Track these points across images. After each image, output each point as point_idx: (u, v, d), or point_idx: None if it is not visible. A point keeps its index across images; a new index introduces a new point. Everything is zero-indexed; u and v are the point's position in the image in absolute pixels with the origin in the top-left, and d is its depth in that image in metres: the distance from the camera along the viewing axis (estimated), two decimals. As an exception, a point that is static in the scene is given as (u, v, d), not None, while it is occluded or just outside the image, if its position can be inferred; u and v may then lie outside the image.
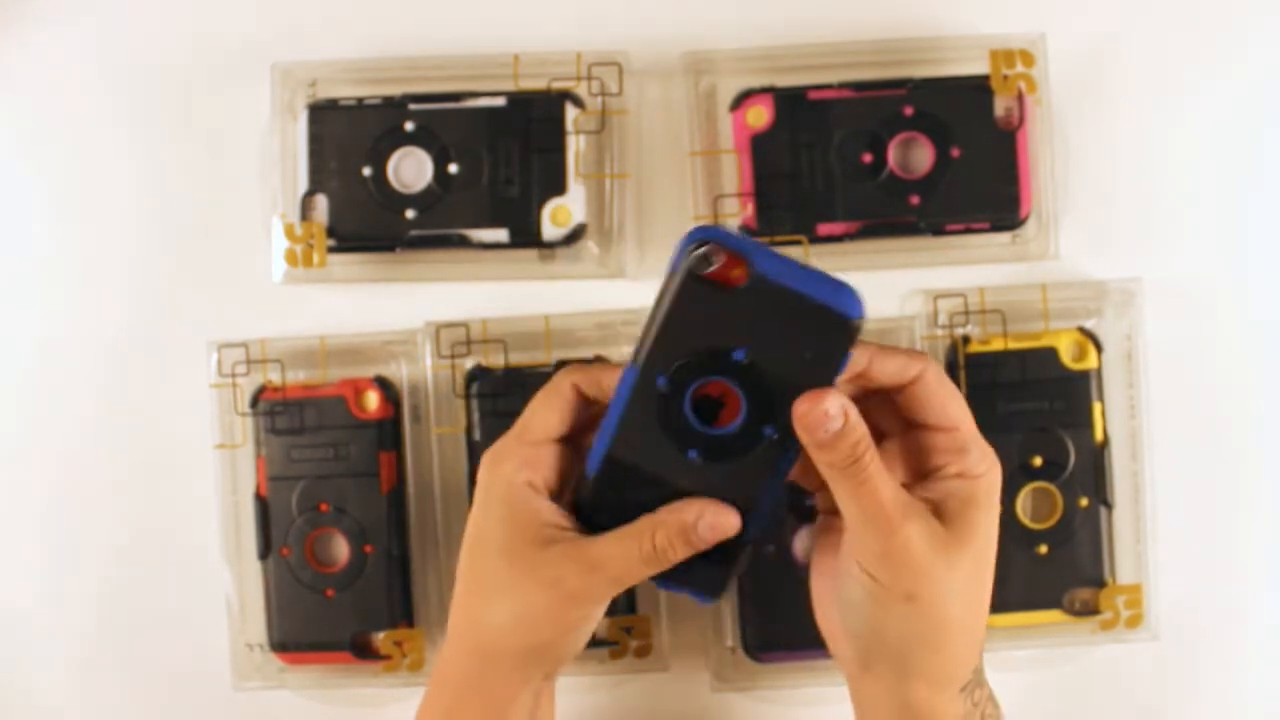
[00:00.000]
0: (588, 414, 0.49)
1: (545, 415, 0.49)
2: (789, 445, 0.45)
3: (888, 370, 0.47)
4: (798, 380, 0.44)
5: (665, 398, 0.45)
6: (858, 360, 0.46)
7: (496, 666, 0.50)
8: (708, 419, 0.46)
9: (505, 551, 0.48)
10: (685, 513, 0.46)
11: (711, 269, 0.44)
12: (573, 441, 0.50)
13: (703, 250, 0.44)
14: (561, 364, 0.62)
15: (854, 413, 0.44)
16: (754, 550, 0.60)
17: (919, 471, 0.48)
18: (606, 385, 0.49)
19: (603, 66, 0.63)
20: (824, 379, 0.44)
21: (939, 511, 0.46)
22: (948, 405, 0.47)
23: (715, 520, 0.46)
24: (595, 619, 0.49)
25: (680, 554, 0.46)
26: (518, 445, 0.49)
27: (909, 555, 0.45)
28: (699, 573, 0.47)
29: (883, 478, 0.45)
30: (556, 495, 0.49)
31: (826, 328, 0.44)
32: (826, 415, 0.44)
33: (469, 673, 0.50)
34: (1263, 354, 0.64)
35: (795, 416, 0.44)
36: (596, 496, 0.47)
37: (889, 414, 0.49)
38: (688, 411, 0.46)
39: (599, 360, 0.62)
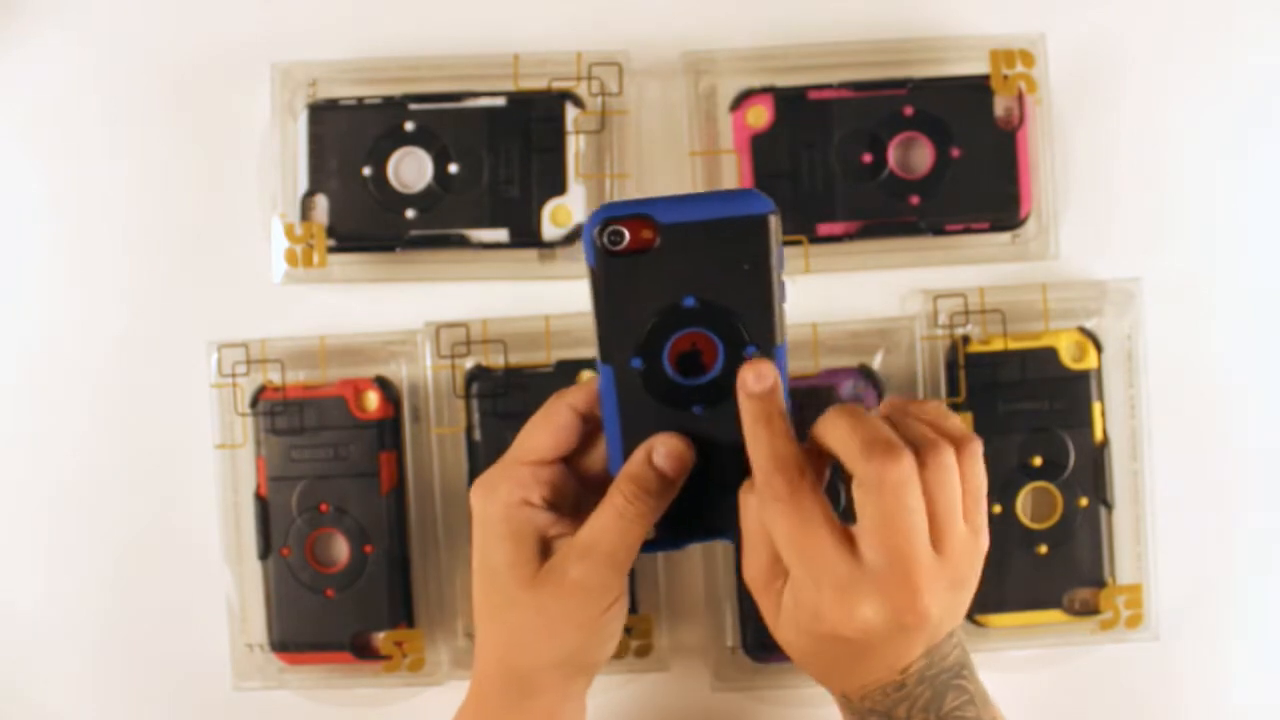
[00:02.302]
0: (586, 431, 0.49)
1: (539, 437, 0.49)
2: (773, 351, 0.46)
3: (833, 448, 0.46)
4: (749, 291, 0.46)
5: (646, 374, 0.46)
6: None
7: (531, 684, 0.50)
8: (695, 370, 0.47)
9: (513, 571, 0.48)
10: (638, 453, 0.47)
11: (624, 244, 0.45)
12: (571, 462, 0.50)
13: (608, 230, 0.45)
14: (562, 364, 0.62)
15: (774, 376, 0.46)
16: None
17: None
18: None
19: (603, 66, 0.63)
20: (768, 277, 0.46)
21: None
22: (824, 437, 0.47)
23: (667, 444, 0.47)
24: (618, 617, 0.49)
25: (655, 491, 0.47)
26: (510, 468, 0.49)
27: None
28: (709, 515, 0.48)
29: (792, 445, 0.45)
30: (556, 511, 0.49)
31: (747, 235, 0.45)
32: (761, 374, 0.46)
33: (505, 696, 0.50)
34: (1263, 354, 0.64)
35: (739, 381, 0.46)
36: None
37: None
38: (674, 375, 0.47)
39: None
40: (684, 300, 0.46)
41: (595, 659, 0.50)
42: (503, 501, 0.49)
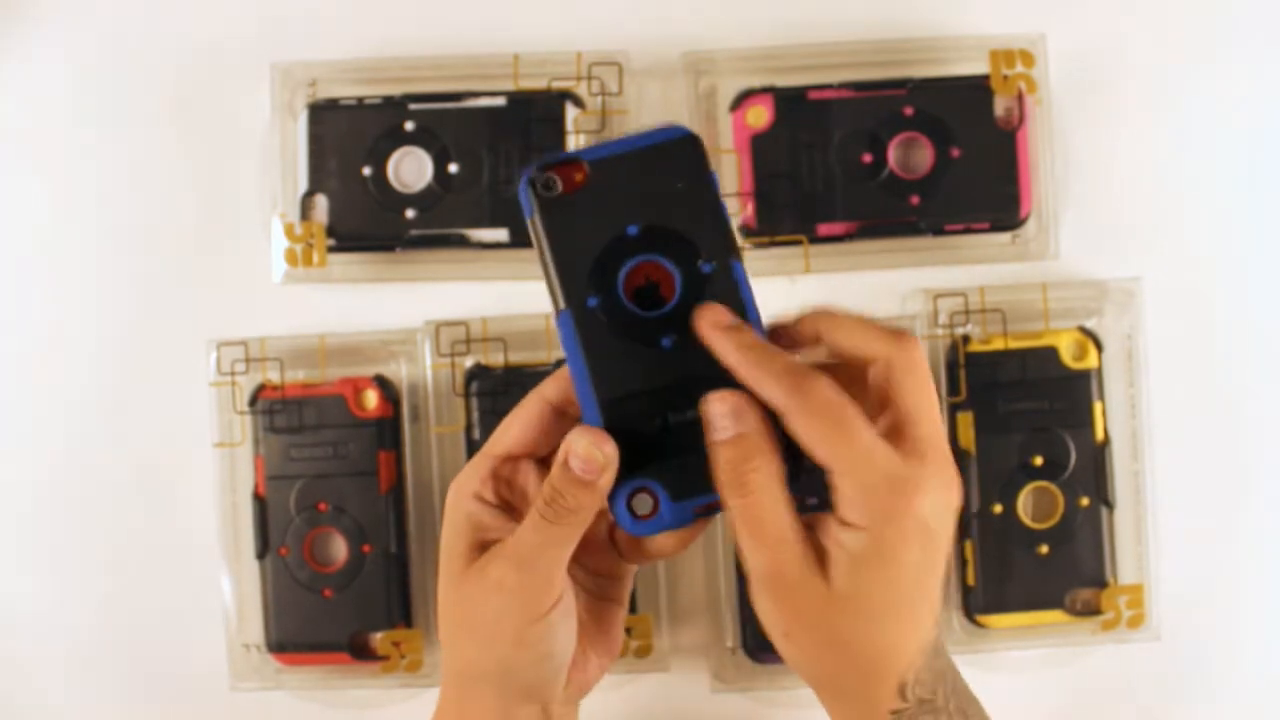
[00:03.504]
0: (563, 427, 0.46)
1: (508, 430, 0.47)
2: (730, 264, 0.45)
3: (849, 344, 0.44)
4: (691, 209, 0.46)
5: (606, 310, 0.45)
6: (818, 322, 0.44)
7: (473, 693, 0.47)
8: (655, 303, 0.45)
9: (448, 564, 0.46)
10: (558, 456, 0.43)
11: (558, 189, 0.45)
12: (540, 463, 0.47)
13: (540, 179, 0.45)
14: (562, 363, 0.62)
15: (751, 420, 0.42)
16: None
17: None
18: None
19: (603, 66, 0.63)
20: (707, 192, 0.46)
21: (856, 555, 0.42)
22: (911, 396, 0.43)
23: (581, 443, 0.43)
24: (554, 636, 0.45)
25: (578, 496, 0.43)
26: (476, 460, 0.47)
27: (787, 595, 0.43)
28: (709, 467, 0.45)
29: (773, 503, 0.42)
30: (507, 507, 0.47)
31: (675, 156, 0.46)
32: (720, 410, 0.42)
33: (451, 703, 0.48)
34: (1263, 354, 0.64)
35: (702, 409, 0.43)
36: (623, 450, 0.44)
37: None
38: (634, 308, 0.45)
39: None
40: (627, 229, 0.45)
41: (532, 680, 0.46)
42: (457, 491, 0.47)
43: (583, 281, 0.45)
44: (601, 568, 0.48)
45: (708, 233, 0.46)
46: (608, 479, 0.43)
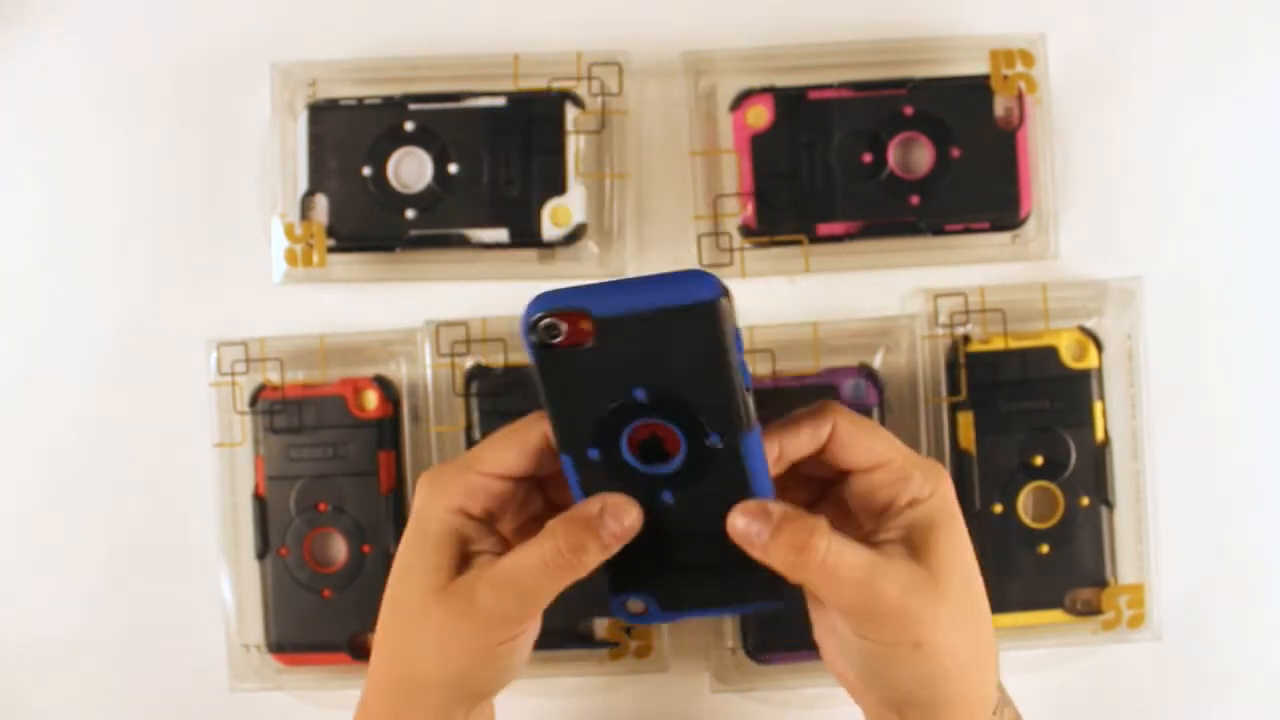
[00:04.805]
0: (545, 459, 0.47)
1: (503, 452, 0.46)
2: (740, 439, 0.44)
3: (800, 443, 0.46)
4: (703, 380, 0.43)
5: (607, 464, 0.44)
6: (769, 451, 0.46)
7: (417, 701, 0.47)
8: (658, 457, 0.44)
9: (425, 576, 0.46)
10: (588, 507, 0.45)
11: (561, 337, 0.42)
12: (530, 482, 0.48)
13: (543, 324, 0.42)
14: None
15: (781, 509, 0.44)
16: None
17: (872, 511, 0.47)
18: None
19: (603, 66, 0.63)
20: (722, 364, 0.42)
21: (908, 545, 0.45)
22: (872, 446, 0.47)
23: (617, 513, 0.45)
24: (520, 650, 0.47)
25: (593, 554, 0.44)
26: (461, 473, 0.46)
27: (901, 610, 0.44)
28: (696, 593, 0.47)
29: (843, 554, 0.44)
30: (498, 527, 0.48)
31: (694, 321, 0.41)
32: (752, 514, 0.44)
33: (389, 708, 0.48)
34: (1263, 354, 0.64)
35: (734, 534, 0.44)
36: (621, 573, 0.46)
37: (825, 464, 0.48)
38: (635, 464, 0.44)
39: None
40: (633, 392, 0.43)
41: (482, 689, 0.48)
42: (442, 504, 0.46)
43: (584, 434, 0.44)
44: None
45: (719, 407, 0.43)
46: (624, 542, 0.45)
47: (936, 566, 0.45)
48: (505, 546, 0.46)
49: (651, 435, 0.44)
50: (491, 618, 0.45)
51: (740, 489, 0.45)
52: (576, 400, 0.43)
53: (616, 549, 0.45)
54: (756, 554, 0.44)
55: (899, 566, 0.44)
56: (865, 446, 0.46)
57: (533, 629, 0.47)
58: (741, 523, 0.44)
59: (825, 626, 0.49)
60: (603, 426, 0.44)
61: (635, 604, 0.47)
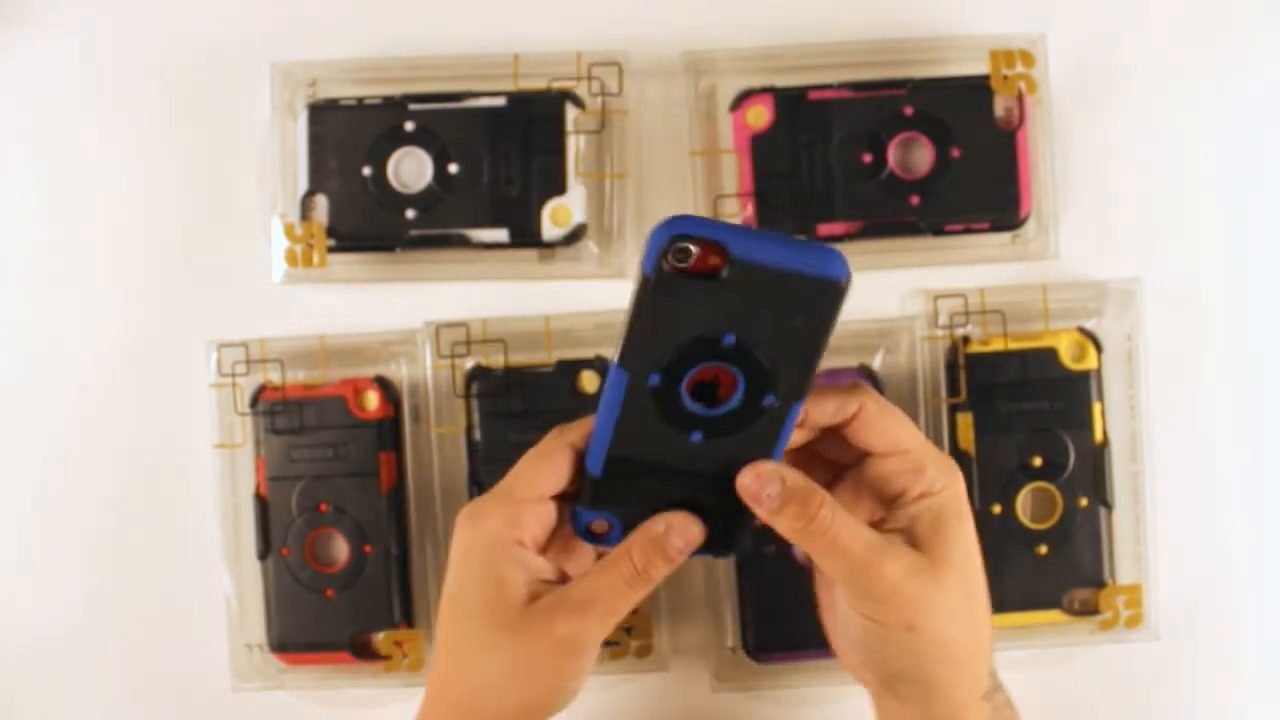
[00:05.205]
0: (573, 471, 0.48)
1: (535, 475, 0.47)
2: (791, 406, 0.45)
3: (826, 412, 0.47)
4: (795, 348, 0.44)
5: (659, 393, 0.45)
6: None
7: None
8: (705, 400, 0.45)
9: (490, 611, 0.47)
10: (654, 528, 0.47)
11: (689, 263, 0.41)
12: (564, 498, 0.49)
13: (678, 246, 0.41)
14: (562, 363, 0.62)
15: (794, 477, 0.45)
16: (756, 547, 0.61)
17: (884, 498, 0.48)
18: None
19: (603, 66, 0.63)
20: (818, 341, 0.43)
21: (912, 535, 0.47)
22: (894, 431, 0.47)
23: (684, 530, 0.47)
24: (588, 670, 0.48)
25: (661, 570, 0.47)
26: (502, 503, 0.47)
27: (896, 592, 0.45)
28: (720, 534, 0.48)
29: (846, 527, 0.45)
30: (543, 550, 0.48)
31: (814, 295, 0.42)
32: (763, 479, 0.45)
33: None
34: (1263, 354, 0.64)
35: (741, 490, 0.45)
36: (602, 494, 0.47)
37: (844, 447, 0.49)
38: (686, 401, 0.45)
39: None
40: (725, 337, 0.43)
41: (554, 707, 0.48)
42: (491, 538, 0.47)
43: (656, 359, 0.44)
44: None
45: (795, 374, 0.44)
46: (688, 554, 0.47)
47: (938, 556, 0.46)
48: (558, 570, 0.48)
49: (714, 378, 0.45)
50: (573, 646, 0.46)
51: (762, 447, 0.46)
52: (667, 326, 0.43)
53: (678, 563, 0.47)
54: (763, 514, 0.45)
55: (901, 550, 0.46)
56: (887, 431, 0.47)
57: (597, 650, 0.48)
58: (755, 483, 0.45)
59: (828, 602, 0.50)
60: (679, 358, 0.44)
61: (601, 524, 0.48)
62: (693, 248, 0.41)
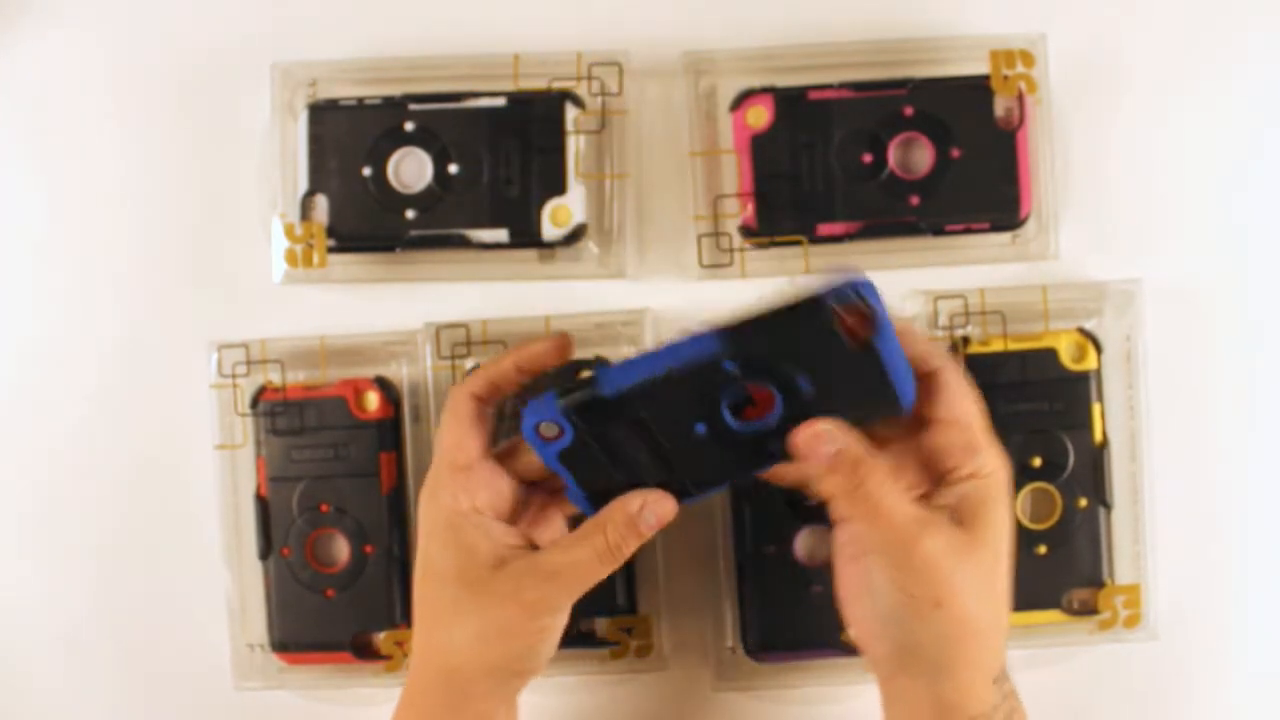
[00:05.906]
0: (490, 419, 0.52)
1: (459, 437, 0.51)
2: (777, 458, 0.48)
3: (911, 353, 0.48)
4: (834, 414, 0.47)
5: (717, 377, 0.47)
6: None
7: (469, 687, 0.51)
8: (734, 409, 0.48)
9: (459, 577, 0.50)
10: (629, 504, 0.49)
11: (846, 320, 0.45)
12: (504, 463, 0.52)
13: (853, 304, 0.45)
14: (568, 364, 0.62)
15: (850, 439, 0.47)
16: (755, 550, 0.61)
17: (933, 474, 0.49)
18: (499, 384, 0.52)
19: (603, 66, 0.63)
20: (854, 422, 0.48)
21: (956, 513, 0.48)
22: (962, 405, 0.49)
23: (658, 508, 0.49)
24: (559, 628, 0.51)
25: (631, 545, 0.49)
26: (453, 474, 0.51)
27: (932, 566, 0.47)
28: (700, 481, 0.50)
29: (893, 496, 0.47)
30: (511, 521, 0.51)
31: (883, 401, 0.47)
32: (821, 439, 0.47)
33: (441, 697, 0.51)
34: (1263, 354, 0.64)
35: (795, 445, 0.47)
36: (587, 414, 0.48)
37: (894, 422, 0.50)
38: (724, 400, 0.47)
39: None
40: (803, 380, 0.47)
41: (531, 667, 0.51)
42: (450, 508, 0.50)
43: (749, 355, 0.46)
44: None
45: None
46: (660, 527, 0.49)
47: (978, 537, 0.48)
48: (526, 539, 0.51)
49: (754, 394, 0.47)
50: (539, 609, 0.49)
51: (730, 471, 0.50)
52: (780, 343, 0.46)
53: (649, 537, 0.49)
54: (813, 468, 0.47)
55: (943, 526, 0.47)
56: (957, 402, 0.49)
57: (569, 611, 0.51)
58: (813, 440, 0.47)
59: (852, 570, 0.50)
60: (761, 368, 0.47)
61: (551, 427, 0.49)
62: (858, 310, 0.45)
